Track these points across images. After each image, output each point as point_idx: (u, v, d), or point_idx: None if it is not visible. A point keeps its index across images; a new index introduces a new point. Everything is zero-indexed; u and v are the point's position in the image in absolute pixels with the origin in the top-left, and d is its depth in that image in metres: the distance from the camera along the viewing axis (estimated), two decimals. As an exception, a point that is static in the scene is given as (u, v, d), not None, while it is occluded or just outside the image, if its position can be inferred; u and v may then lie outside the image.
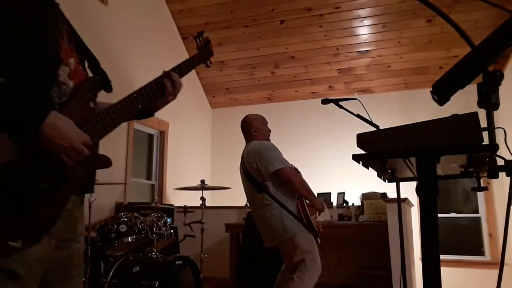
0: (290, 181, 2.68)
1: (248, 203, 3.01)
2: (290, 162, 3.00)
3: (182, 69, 1.39)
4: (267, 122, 3.02)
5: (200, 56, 1.51)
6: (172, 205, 4.78)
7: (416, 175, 1.31)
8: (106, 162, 1.20)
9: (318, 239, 2.79)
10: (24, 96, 0.99)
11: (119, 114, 1.18)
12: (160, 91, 1.30)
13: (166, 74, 1.32)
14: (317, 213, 2.86)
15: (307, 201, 2.76)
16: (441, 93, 1.04)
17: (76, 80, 1.13)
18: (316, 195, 2.94)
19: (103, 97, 1.25)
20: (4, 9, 1.02)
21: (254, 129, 2.93)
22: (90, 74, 1.26)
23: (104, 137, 1.18)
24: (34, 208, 0.98)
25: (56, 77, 1.08)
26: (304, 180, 2.80)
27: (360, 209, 4.30)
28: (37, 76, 1.05)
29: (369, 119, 2.33)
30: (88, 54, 1.25)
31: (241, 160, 2.91)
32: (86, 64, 1.26)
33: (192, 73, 6.49)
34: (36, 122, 0.97)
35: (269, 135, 3.00)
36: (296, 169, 2.86)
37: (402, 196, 2.28)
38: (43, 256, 1.05)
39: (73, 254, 1.18)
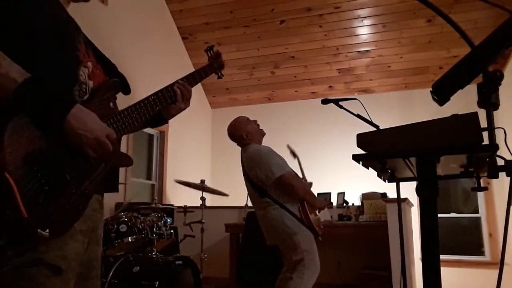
0: (292, 186, 2.69)
1: (251, 203, 3.02)
2: (291, 162, 3.02)
3: (193, 78, 1.47)
4: (251, 120, 2.98)
5: (211, 66, 1.58)
6: (172, 205, 4.78)
7: (416, 175, 1.31)
8: (128, 161, 1.22)
9: (319, 238, 2.81)
10: (50, 90, 1.01)
11: (138, 113, 1.22)
12: (172, 98, 1.37)
13: (178, 82, 1.40)
14: (317, 210, 2.88)
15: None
16: (441, 93, 1.04)
17: (96, 82, 1.17)
18: (316, 195, 2.97)
19: (121, 100, 1.29)
20: (34, 8, 1.05)
21: (245, 134, 2.90)
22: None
23: (125, 134, 1.20)
24: (60, 197, 0.99)
25: (77, 76, 1.10)
26: (304, 183, 2.82)
27: (360, 209, 4.30)
28: (60, 74, 1.07)
29: (369, 119, 2.33)
30: (105, 59, 1.29)
31: (242, 164, 2.91)
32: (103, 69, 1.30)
33: (192, 73, 6.49)
34: (62, 112, 0.99)
35: (259, 129, 2.97)
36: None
37: (402, 196, 2.28)
38: (79, 253, 1.08)
39: (94, 256, 1.19)
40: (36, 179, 0.94)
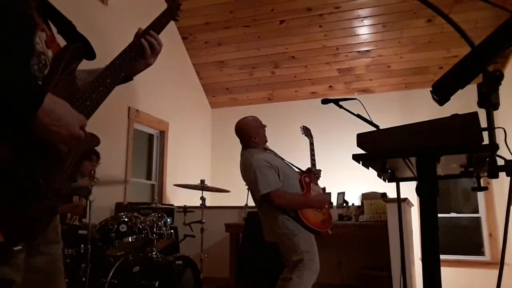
0: (277, 205, 2.67)
1: (251, 202, 3.03)
2: (290, 162, 3.01)
3: (156, 26, 1.29)
4: (261, 122, 2.98)
5: (170, 10, 1.42)
6: (172, 205, 4.78)
7: (416, 175, 1.31)
8: (96, 141, 1.08)
9: (329, 231, 2.80)
10: (10, 77, 0.79)
11: (105, 86, 1.06)
12: (140, 54, 1.20)
13: (142, 34, 1.21)
14: (326, 205, 2.87)
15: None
16: (441, 93, 1.04)
17: (54, 49, 0.98)
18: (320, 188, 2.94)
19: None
20: None
21: (254, 135, 2.89)
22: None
23: (93, 113, 1.05)
24: (35, 205, 0.88)
25: (33, 45, 0.90)
26: (292, 196, 2.75)
27: (360, 209, 4.30)
28: (13, 46, 0.86)
29: (369, 119, 2.33)
30: (60, 16, 1.06)
31: (240, 167, 2.92)
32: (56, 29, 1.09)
33: (192, 73, 6.50)
34: (31, 108, 0.80)
35: (265, 136, 2.97)
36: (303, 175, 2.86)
37: (402, 196, 2.28)
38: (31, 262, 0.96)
39: (56, 257, 1.07)
40: (6, 193, 0.81)
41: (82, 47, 1.05)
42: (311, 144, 3.10)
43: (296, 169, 3.02)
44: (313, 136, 3.18)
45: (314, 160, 3.05)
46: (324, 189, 2.99)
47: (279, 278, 2.76)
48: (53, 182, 0.92)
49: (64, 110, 0.88)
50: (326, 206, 2.88)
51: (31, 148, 0.86)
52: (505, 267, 1.36)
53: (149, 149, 5.52)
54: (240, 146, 3.00)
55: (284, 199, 2.70)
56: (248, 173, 2.77)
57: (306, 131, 3.18)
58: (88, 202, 3.19)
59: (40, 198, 0.89)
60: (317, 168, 3.05)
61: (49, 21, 1.02)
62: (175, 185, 4.04)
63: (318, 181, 3.01)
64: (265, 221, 2.84)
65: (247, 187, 4.32)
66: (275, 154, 2.98)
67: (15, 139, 0.83)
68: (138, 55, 1.18)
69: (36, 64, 0.90)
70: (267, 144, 3.01)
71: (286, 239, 2.69)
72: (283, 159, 2.97)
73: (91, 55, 1.09)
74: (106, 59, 1.21)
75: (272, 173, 2.74)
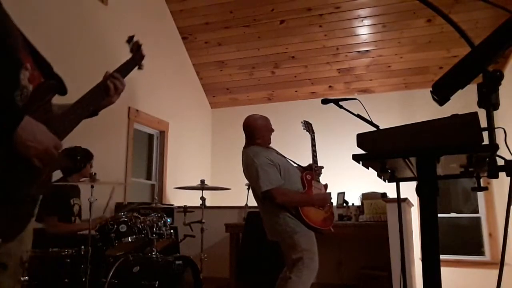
0: (278, 202, 2.68)
1: (251, 202, 3.03)
2: (291, 160, 3.01)
3: (121, 72, 1.46)
4: (271, 125, 2.98)
5: (134, 59, 1.59)
6: (172, 205, 4.78)
7: (416, 175, 1.31)
8: (66, 163, 1.27)
9: (331, 229, 2.80)
10: None
11: (75, 115, 1.25)
12: (106, 93, 1.38)
13: (109, 76, 1.40)
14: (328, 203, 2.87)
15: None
16: (441, 93, 1.04)
17: (34, 84, 1.16)
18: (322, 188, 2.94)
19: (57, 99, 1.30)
20: None
21: (258, 135, 2.89)
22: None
23: (65, 136, 1.23)
24: (15, 206, 1.05)
25: (18, 80, 1.09)
26: (293, 193, 2.76)
27: (360, 209, 4.30)
28: (2, 80, 1.07)
29: (369, 119, 2.33)
30: (41, 58, 1.27)
31: (242, 164, 2.92)
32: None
33: (192, 73, 6.50)
34: (12, 125, 1.00)
35: (270, 138, 2.97)
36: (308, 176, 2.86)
37: (402, 196, 2.27)
38: (17, 250, 1.14)
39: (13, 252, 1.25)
40: None
41: (56, 84, 1.24)
42: (313, 139, 3.08)
43: (297, 166, 3.02)
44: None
45: (316, 156, 3.03)
46: (326, 185, 2.98)
47: (279, 278, 2.76)
48: (30, 189, 1.10)
49: (40, 130, 1.06)
50: (328, 204, 2.87)
51: (11, 160, 1.03)
52: (505, 267, 1.37)
53: (149, 149, 5.52)
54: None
55: (286, 196, 2.70)
56: (250, 170, 2.77)
57: (308, 126, 3.15)
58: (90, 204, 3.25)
59: (20, 202, 1.07)
60: (319, 164, 3.02)
61: (36, 64, 1.22)
62: (175, 188, 4.04)
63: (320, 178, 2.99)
64: (266, 219, 2.84)
65: (247, 187, 4.35)
66: (277, 152, 2.97)
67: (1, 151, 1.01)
68: (104, 93, 1.37)
69: (19, 95, 1.08)
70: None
71: (287, 237, 2.69)
72: (285, 157, 2.97)
73: (63, 91, 1.28)
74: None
75: (273, 170, 2.74)
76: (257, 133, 2.90)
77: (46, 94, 1.18)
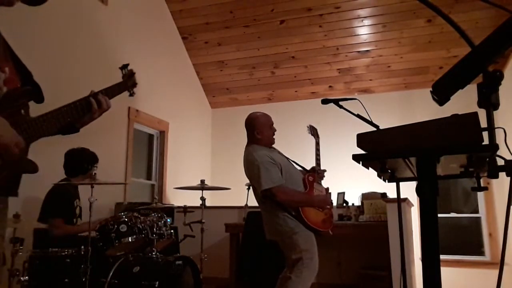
0: (281, 201, 2.68)
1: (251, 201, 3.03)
2: (294, 161, 3.01)
3: (109, 92, 1.45)
4: (272, 123, 2.97)
5: (125, 84, 1.59)
6: (172, 205, 4.78)
7: (416, 175, 1.31)
8: (33, 168, 1.22)
9: (330, 232, 2.80)
10: None
11: (48, 123, 1.23)
12: (87, 109, 1.36)
13: (93, 95, 1.39)
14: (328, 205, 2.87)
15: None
16: (441, 93, 1.04)
17: (10, 87, 1.18)
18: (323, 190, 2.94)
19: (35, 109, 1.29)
20: None
21: (257, 131, 2.88)
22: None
23: (31, 143, 1.20)
24: None
25: None
26: (294, 192, 2.76)
27: (360, 209, 4.30)
28: None
29: (369, 119, 2.32)
30: (22, 66, 1.29)
31: (243, 162, 2.92)
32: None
33: (192, 73, 6.50)
34: None
35: (274, 135, 2.96)
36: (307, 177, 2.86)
37: (402, 196, 2.28)
38: None
39: None
40: None
41: (31, 90, 1.25)
42: (317, 143, 3.09)
43: (300, 168, 3.03)
44: (313, 136, 3.17)
45: (319, 160, 3.03)
46: (327, 189, 2.99)
47: (279, 278, 2.76)
48: None
49: (2, 125, 1.06)
50: (328, 207, 2.88)
51: None
52: (505, 267, 1.37)
53: (149, 149, 5.52)
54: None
55: (286, 195, 2.70)
56: (251, 168, 2.77)
57: (313, 131, 3.15)
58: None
59: None
60: (321, 168, 3.03)
61: (17, 70, 1.24)
62: (175, 188, 4.04)
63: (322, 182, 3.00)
64: (266, 219, 2.84)
65: (247, 187, 4.35)
66: (279, 152, 2.98)
67: None
68: (86, 109, 1.35)
69: None
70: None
71: (286, 237, 2.69)
72: (288, 158, 2.97)
73: (40, 99, 1.30)
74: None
75: (275, 169, 2.74)
76: (257, 129, 2.89)
77: (19, 98, 1.19)
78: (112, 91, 1.48)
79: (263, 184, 2.67)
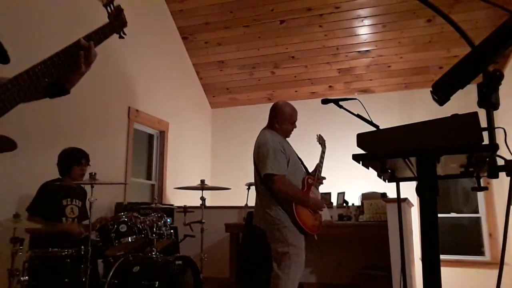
0: (276, 189, 2.70)
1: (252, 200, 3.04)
2: (301, 159, 3.03)
3: (93, 38, 1.20)
4: (295, 120, 3.00)
5: (112, 25, 1.31)
6: (172, 205, 4.78)
7: (416, 175, 1.31)
8: (10, 145, 1.06)
9: (315, 237, 2.81)
10: None
11: (20, 89, 0.99)
12: (71, 62, 1.11)
13: (74, 43, 1.13)
14: (320, 210, 2.89)
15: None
16: (441, 93, 1.04)
17: None
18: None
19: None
20: None
21: (277, 120, 2.94)
22: None
23: (3, 116, 0.98)
24: None
25: None
26: (293, 186, 2.78)
27: (360, 209, 4.30)
28: None
29: (369, 119, 2.33)
30: None
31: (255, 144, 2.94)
32: None
33: (192, 73, 6.49)
34: None
35: (291, 131, 3.00)
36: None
37: (402, 196, 2.28)
38: None
39: None
40: None
41: None
42: (323, 152, 3.18)
43: (304, 168, 3.05)
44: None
45: (321, 167, 3.09)
46: (322, 197, 3.01)
47: (271, 277, 2.78)
48: None
49: None
50: (320, 212, 2.90)
51: None
52: (505, 267, 1.37)
53: (149, 149, 5.51)
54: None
55: (285, 186, 2.73)
56: (261, 149, 2.79)
57: (321, 140, 3.25)
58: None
59: None
60: (322, 175, 3.08)
61: None
62: (175, 188, 4.04)
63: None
64: (258, 207, 2.86)
65: (247, 187, 4.35)
66: (290, 146, 3.00)
67: None
68: (68, 63, 1.10)
69: None
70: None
71: (275, 229, 2.72)
72: (296, 154, 2.99)
73: (4, 59, 1.10)
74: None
75: (283, 158, 2.78)
76: (278, 119, 2.94)
77: None
78: (97, 35, 1.22)
79: (267, 168, 2.70)
